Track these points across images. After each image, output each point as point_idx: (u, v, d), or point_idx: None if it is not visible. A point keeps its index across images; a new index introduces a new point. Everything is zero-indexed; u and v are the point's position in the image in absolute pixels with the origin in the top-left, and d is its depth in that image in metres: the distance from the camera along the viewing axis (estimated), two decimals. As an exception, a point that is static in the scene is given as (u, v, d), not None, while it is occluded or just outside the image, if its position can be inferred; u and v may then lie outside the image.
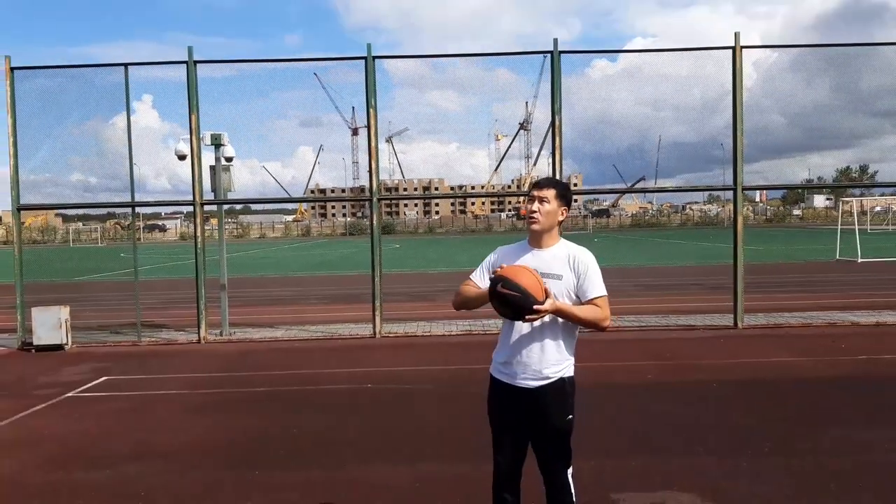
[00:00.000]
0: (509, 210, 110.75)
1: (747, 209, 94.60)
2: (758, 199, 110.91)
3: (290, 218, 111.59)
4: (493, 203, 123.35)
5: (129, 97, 11.68)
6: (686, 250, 37.48)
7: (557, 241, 3.68)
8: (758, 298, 14.45)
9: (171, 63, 11.96)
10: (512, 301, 3.31)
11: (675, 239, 51.94)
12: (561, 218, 3.68)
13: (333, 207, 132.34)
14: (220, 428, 6.99)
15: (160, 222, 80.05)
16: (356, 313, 13.99)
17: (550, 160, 12.62)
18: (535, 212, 3.60)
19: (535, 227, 3.61)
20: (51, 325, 11.54)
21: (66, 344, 11.65)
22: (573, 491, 3.66)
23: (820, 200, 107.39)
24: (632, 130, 14.82)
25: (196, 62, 11.67)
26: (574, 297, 3.56)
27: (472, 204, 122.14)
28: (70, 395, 8.60)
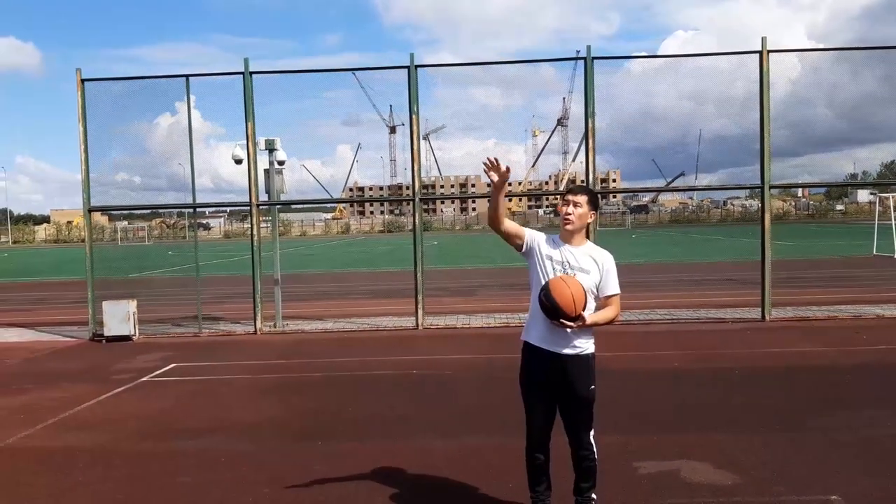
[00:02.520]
0: (546, 206, 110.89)
1: (788, 205, 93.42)
2: (800, 193, 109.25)
3: (329, 216, 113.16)
4: (530, 199, 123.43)
5: (190, 107, 12.61)
6: (723, 246, 37.60)
7: (585, 242, 4.37)
8: (789, 293, 14.85)
9: (229, 74, 12.82)
10: (546, 309, 4.07)
11: (713, 235, 51.83)
12: (590, 220, 4.38)
13: (372, 206, 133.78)
14: (282, 406, 7.79)
15: (205, 221, 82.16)
16: (399, 307, 14.73)
17: (581, 149, 13.23)
18: (570, 214, 4.29)
19: (569, 227, 4.29)
20: (120, 317, 12.51)
21: (134, 335, 12.61)
22: (595, 450, 4.36)
23: (864, 195, 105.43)
24: (672, 124, 14.99)
25: (252, 73, 12.52)
26: (595, 290, 4.24)
27: (510, 200, 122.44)
28: (144, 379, 9.49)
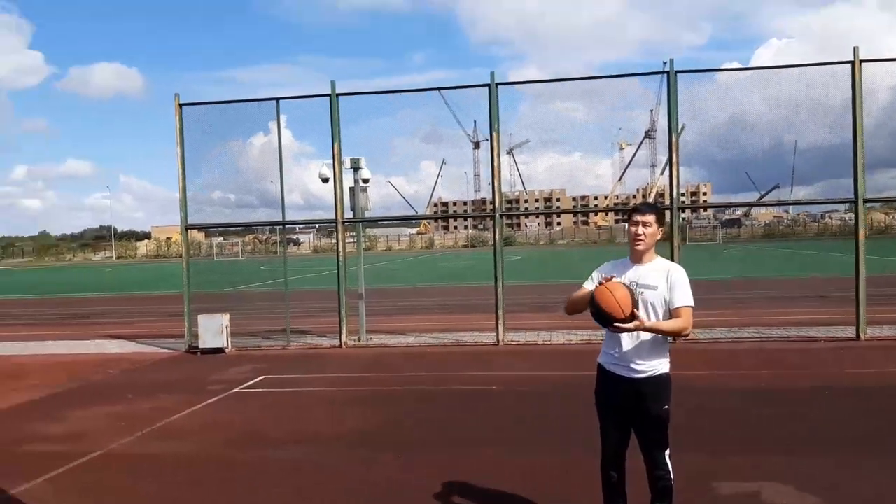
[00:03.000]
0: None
1: (893, 218, 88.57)
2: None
3: (413, 231, 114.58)
4: (616, 214, 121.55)
5: (280, 128, 13.17)
6: (819, 262, 36.06)
7: (654, 258, 4.38)
8: (887, 311, 14.19)
9: (316, 96, 13.31)
10: (595, 316, 4.10)
11: (809, 250, 49.74)
12: (658, 237, 4.39)
13: (455, 221, 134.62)
14: (365, 418, 8.02)
15: (294, 236, 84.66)
16: (480, 322, 14.85)
17: (666, 169, 13.06)
18: (640, 235, 4.32)
19: (639, 247, 4.31)
20: (214, 330, 13.11)
21: (227, 347, 13.19)
22: (671, 469, 4.35)
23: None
24: (766, 135, 14.31)
25: (338, 95, 12.98)
26: (665, 306, 4.24)
27: (595, 215, 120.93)
28: (236, 390, 9.93)
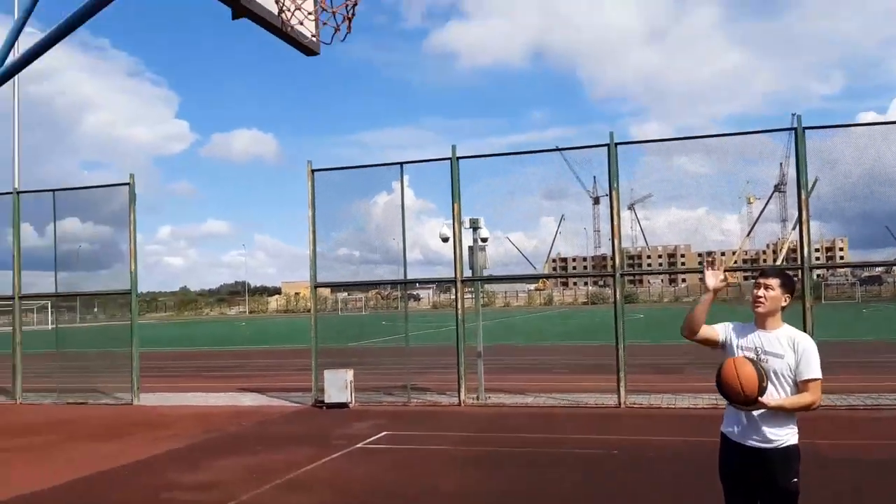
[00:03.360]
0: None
1: None
2: None
3: (532, 287, 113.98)
4: (745, 271, 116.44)
5: (403, 191, 13.73)
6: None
7: (781, 325, 4.27)
8: None
9: (438, 160, 13.81)
10: (722, 394, 4.08)
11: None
12: (784, 304, 4.27)
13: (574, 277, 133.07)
14: (482, 478, 8.09)
15: (415, 292, 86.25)
16: (601, 383, 14.60)
17: (797, 225, 12.57)
18: (761, 297, 4.25)
19: (759, 310, 4.24)
20: (339, 385, 13.58)
21: (351, 402, 13.60)
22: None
23: None
24: None
25: (458, 158, 13.41)
26: (792, 375, 4.13)
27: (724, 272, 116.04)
28: (359, 445, 10.22)
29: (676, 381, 15.17)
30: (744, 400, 3.96)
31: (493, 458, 9.20)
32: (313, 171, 14.45)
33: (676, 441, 9.79)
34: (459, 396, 13.38)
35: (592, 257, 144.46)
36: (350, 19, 3.27)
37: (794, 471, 4.16)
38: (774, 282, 4.24)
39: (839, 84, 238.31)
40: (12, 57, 4.07)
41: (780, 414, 4.14)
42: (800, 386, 4.09)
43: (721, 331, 4.39)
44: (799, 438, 4.17)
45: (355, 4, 3.12)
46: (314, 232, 14.35)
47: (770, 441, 4.14)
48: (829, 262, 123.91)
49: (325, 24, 3.30)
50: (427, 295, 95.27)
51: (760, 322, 4.28)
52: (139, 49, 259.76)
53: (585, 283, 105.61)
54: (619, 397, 12.59)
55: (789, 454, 4.16)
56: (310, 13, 3.26)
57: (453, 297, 14.17)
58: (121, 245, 16.10)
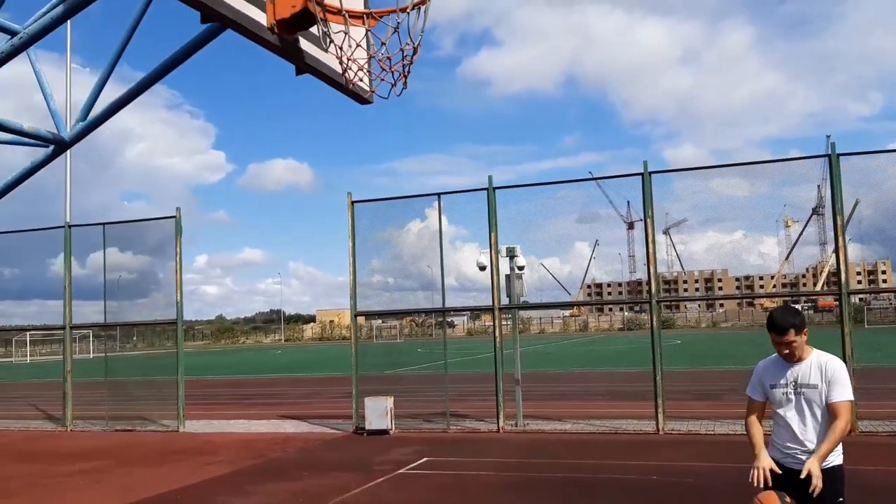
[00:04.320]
0: (804, 302, 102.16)
1: None
2: None
3: (567, 313, 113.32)
4: (783, 296, 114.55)
5: (441, 222, 14.04)
6: None
7: (810, 353, 4.44)
8: None
9: (475, 190, 14.12)
10: None
11: None
12: (805, 338, 4.42)
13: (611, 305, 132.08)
14: (525, 505, 8.24)
15: (450, 319, 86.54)
16: (639, 409, 14.63)
17: (836, 255, 12.59)
18: (787, 353, 4.39)
19: (792, 360, 4.40)
20: (379, 412, 13.82)
21: (391, 429, 13.83)
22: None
23: None
24: None
25: (494, 188, 13.71)
26: (823, 401, 4.29)
27: (761, 298, 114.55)
28: (401, 471, 10.42)
29: (715, 407, 15.12)
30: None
31: (533, 484, 9.34)
32: (353, 202, 14.84)
33: (717, 466, 9.83)
34: (498, 423, 13.54)
35: (628, 283, 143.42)
36: (406, 76, 3.56)
37: (840, 491, 4.31)
38: (791, 333, 4.34)
39: (878, 104, 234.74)
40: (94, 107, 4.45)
41: (825, 434, 4.29)
42: (830, 408, 4.25)
43: (759, 395, 4.56)
44: (844, 460, 4.33)
45: (411, 63, 3.41)
46: (354, 262, 14.70)
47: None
48: (871, 286, 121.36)
49: (382, 79, 3.59)
50: (462, 321, 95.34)
51: (792, 359, 4.42)
52: (178, 83, 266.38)
53: (621, 309, 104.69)
54: (657, 423, 12.64)
55: (835, 475, 4.30)
56: (368, 69, 3.55)
57: (488, 323, 14.37)
58: (159, 274, 16.63)
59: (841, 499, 4.30)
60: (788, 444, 4.38)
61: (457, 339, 74.59)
